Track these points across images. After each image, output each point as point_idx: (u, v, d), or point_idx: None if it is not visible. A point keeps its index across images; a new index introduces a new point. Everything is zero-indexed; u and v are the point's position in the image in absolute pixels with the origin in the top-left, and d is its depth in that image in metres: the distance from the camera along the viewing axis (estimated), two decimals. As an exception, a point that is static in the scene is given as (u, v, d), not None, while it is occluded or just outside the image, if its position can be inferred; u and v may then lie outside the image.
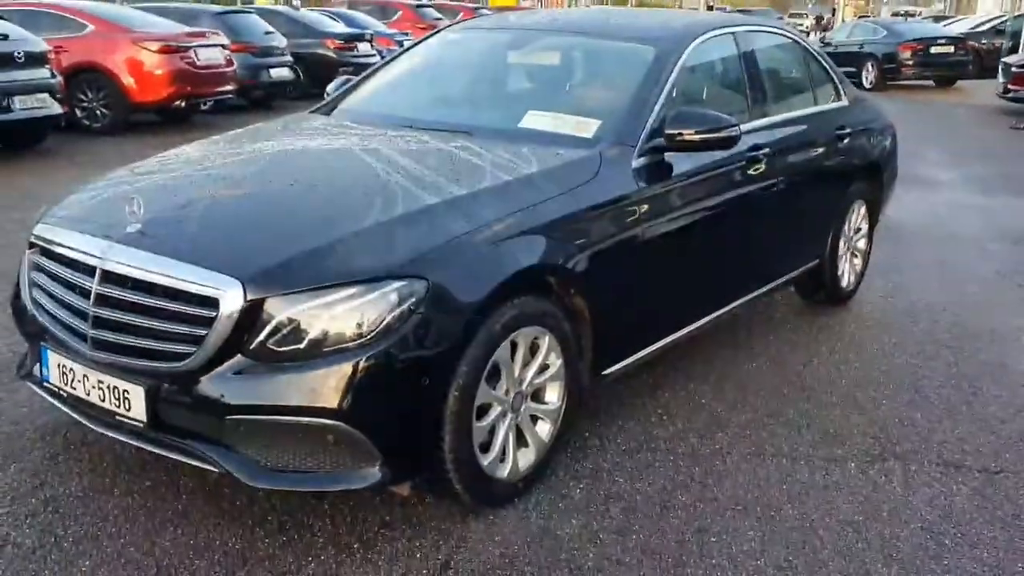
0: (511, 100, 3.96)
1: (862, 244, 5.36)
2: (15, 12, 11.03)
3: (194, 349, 2.57)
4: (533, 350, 3.02)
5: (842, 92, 5.07)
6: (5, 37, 8.90)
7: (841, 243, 5.08)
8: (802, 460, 3.43)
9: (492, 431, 2.93)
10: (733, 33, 4.24)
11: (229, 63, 11.97)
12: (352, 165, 3.32)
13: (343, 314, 2.54)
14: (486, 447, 2.91)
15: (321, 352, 2.53)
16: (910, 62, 20.19)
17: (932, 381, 4.23)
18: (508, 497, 3.01)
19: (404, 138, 3.59)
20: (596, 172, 3.27)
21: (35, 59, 9.15)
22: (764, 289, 4.38)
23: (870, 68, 20.52)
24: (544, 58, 4.22)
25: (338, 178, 3.14)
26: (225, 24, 13.35)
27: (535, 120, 3.65)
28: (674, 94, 3.70)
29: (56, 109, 9.30)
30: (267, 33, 14.11)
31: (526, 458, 3.06)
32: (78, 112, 10.91)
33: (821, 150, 4.65)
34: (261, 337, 2.54)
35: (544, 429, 3.13)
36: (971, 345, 4.69)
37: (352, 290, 2.55)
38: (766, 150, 4.07)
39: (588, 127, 3.52)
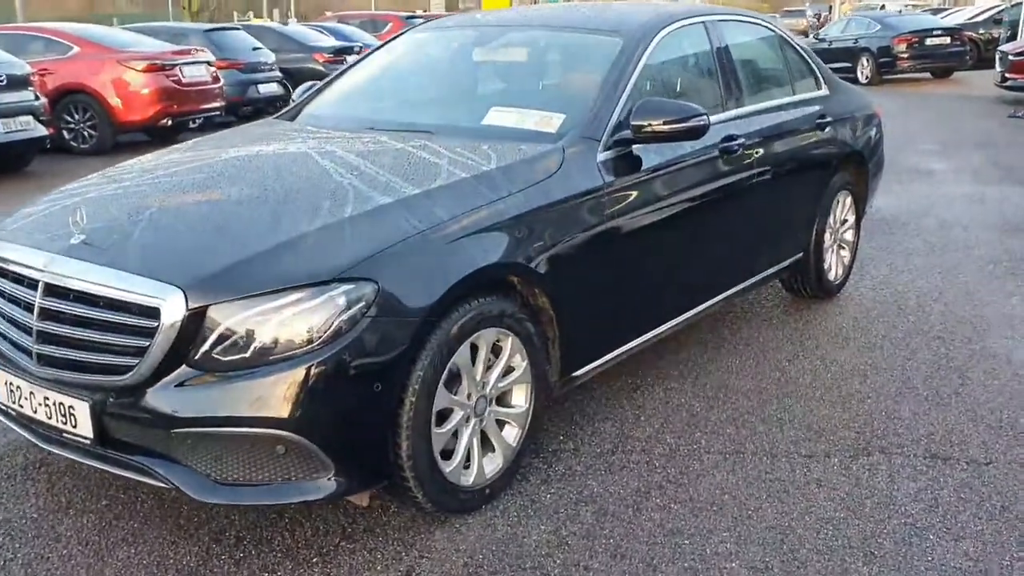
0: (475, 98, 3.87)
1: (849, 236, 5.26)
2: (1, 36, 11.04)
3: (137, 361, 2.49)
4: (497, 352, 2.93)
5: (822, 81, 4.97)
6: (-13, 61, 8.87)
7: (827, 236, 4.97)
8: (782, 457, 3.32)
9: (455, 437, 2.83)
10: (704, 23, 4.15)
11: (216, 80, 11.92)
12: (305, 169, 3.23)
13: (289, 320, 2.45)
14: (449, 454, 2.81)
15: (268, 360, 2.44)
16: (906, 55, 20.06)
17: (920, 372, 4.12)
18: (474, 504, 2.91)
19: (362, 140, 3.50)
20: (558, 167, 3.17)
21: (18, 82, 9.12)
22: (744, 285, 4.27)
23: (865, 62, 20.41)
24: (509, 54, 4.13)
25: (289, 182, 3.06)
26: (212, 41, 13.32)
27: (498, 117, 3.56)
28: (641, 86, 3.62)
29: (40, 131, 9.26)
30: (255, 49, 14.07)
31: (493, 463, 2.96)
32: (65, 134, 10.88)
33: (800, 140, 4.54)
34: (205, 347, 2.46)
35: (511, 434, 3.03)
36: (961, 335, 4.58)
37: (298, 295, 2.46)
38: (741, 141, 3.97)
39: (552, 122, 3.43)
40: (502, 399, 3.01)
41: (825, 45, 21.56)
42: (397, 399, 2.58)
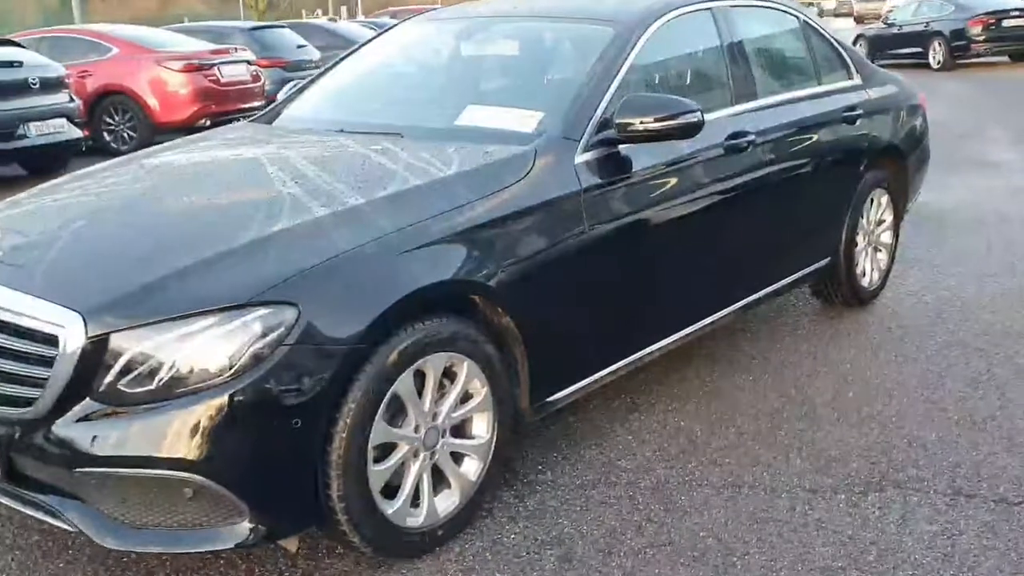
0: (454, 95, 3.58)
1: (886, 238, 4.84)
2: (45, 39, 11.13)
3: (40, 393, 2.27)
4: (454, 378, 2.65)
5: (853, 70, 4.56)
6: (20, 64, 8.88)
7: (859, 238, 4.57)
8: (783, 492, 2.98)
9: (402, 473, 2.56)
10: (711, 10, 3.80)
11: (256, 79, 11.85)
12: (249, 178, 2.99)
13: (199, 349, 2.20)
14: (395, 491, 2.54)
15: (174, 393, 2.20)
16: (981, 37, 19.07)
17: (953, 392, 3.71)
18: (424, 547, 2.63)
19: (326, 143, 3.26)
20: (527, 172, 2.88)
21: (51, 84, 9.12)
22: (759, 295, 3.91)
23: (937, 47, 19.48)
24: (496, 47, 3.85)
25: (226, 194, 2.82)
26: (256, 40, 13.29)
27: (474, 116, 3.28)
28: (633, 80, 3.29)
29: (75, 134, 9.25)
30: (299, 47, 14.00)
31: (448, 501, 2.68)
32: (106, 135, 10.91)
33: (824, 135, 4.16)
34: (110, 378, 2.23)
35: (471, 467, 2.74)
36: (1007, 348, 4.15)
37: (208, 321, 2.21)
38: (751, 137, 3.62)
39: (529, 121, 3.13)
40: (460, 429, 2.72)
41: (895, 30, 20.71)
42: (325, 435, 2.32)
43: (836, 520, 2.81)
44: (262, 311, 2.23)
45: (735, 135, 3.57)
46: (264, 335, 2.22)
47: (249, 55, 12.01)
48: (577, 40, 3.55)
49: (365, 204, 2.60)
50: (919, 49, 19.51)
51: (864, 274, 4.69)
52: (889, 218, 4.81)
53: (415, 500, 2.59)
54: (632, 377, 3.57)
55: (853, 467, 3.12)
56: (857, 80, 4.56)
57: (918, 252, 5.67)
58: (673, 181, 3.31)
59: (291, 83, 4.17)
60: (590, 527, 2.79)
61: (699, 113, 3.09)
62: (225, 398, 2.18)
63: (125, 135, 10.96)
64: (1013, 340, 4.23)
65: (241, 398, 2.18)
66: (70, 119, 9.22)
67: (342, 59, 4.11)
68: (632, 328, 3.27)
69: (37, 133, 8.78)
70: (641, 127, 3.03)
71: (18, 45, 9.51)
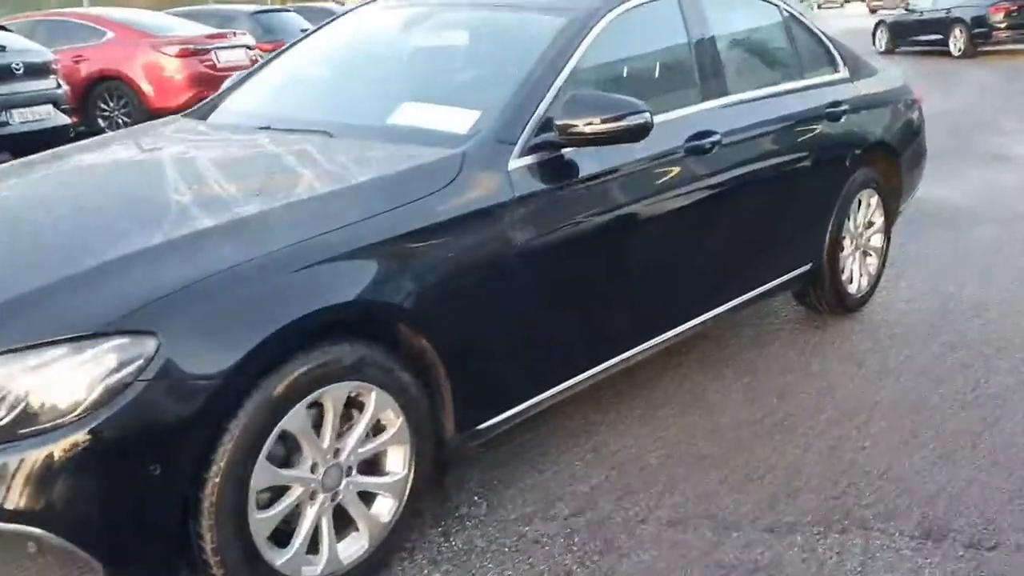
0: (393, 90, 3.30)
1: (876, 241, 4.53)
2: (41, 23, 10.95)
3: None
4: (362, 407, 2.40)
5: (840, 64, 4.25)
6: (2, 49, 8.65)
7: (846, 242, 4.28)
8: (735, 531, 2.71)
9: (296, 517, 2.32)
10: (677, -1, 3.50)
11: (254, 63, 11.57)
12: (144, 183, 2.74)
13: (45, 383, 1.95)
14: (288, 538, 2.30)
15: (17, 434, 1.96)
16: (1003, 24, 18.49)
17: (941, 410, 3.43)
18: (321, 598, 2.38)
19: (243, 143, 3.02)
20: (452, 178, 2.61)
21: (36, 70, 8.88)
22: (728, 306, 3.62)
23: (958, 34, 18.92)
24: (444, 38, 3.57)
25: (110, 203, 2.58)
26: (260, 24, 13.06)
27: (408, 114, 3.01)
28: (583, 76, 3.01)
29: (61, 120, 9.02)
30: (303, 31, 13.73)
31: (355, 545, 2.43)
32: (100, 121, 10.71)
33: (804, 132, 3.86)
34: (-56, 416, 1.99)
35: (384, 506, 2.49)
36: (1006, 360, 3.85)
37: (55, 352, 1.97)
38: (716, 137, 3.34)
39: (464, 120, 2.85)
40: (372, 464, 2.48)
41: (916, 16, 20.14)
42: (194, 480, 2.07)
43: (787, 567, 2.54)
44: (117, 341, 1.98)
45: (699, 135, 3.28)
46: (119, 368, 1.97)
47: (249, 39, 11.77)
48: (526, 32, 3.26)
49: (259, 215, 2.34)
50: (940, 36, 18.97)
51: (851, 280, 4.39)
52: (879, 220, 4.51)
53: (314, 547, 2.35)
54: (595, 392, 3.31)
55: (816, 502, 2.85)
56: (844, 73, 4.25)
57: (918, 252, 5.35)
58: (625, 187, 3.04)
59: (237, 73, 3.91)
60: (515, 572, 2.54)
61: (647, 114, 2.81)
62: (73, 439, 1.93)
63: (120, 121, 10.76)
64: (1012, 352, 3.93)
65: (91, 440, 1.94)
66: (56, 105, 8.99)
67: (288, 48, 3.85)
68: (576, 348, 3.00)
69: (20, 120, 8.56)
70: (583, 129, 2.76)
71: (4, 29, 9.30)
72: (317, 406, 2.29)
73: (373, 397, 2.38)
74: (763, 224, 3.70)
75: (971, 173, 7.53)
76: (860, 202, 4.32)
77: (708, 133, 3.33)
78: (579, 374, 2.99)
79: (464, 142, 2.75)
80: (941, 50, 18.93)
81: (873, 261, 4.54)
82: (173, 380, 2.01)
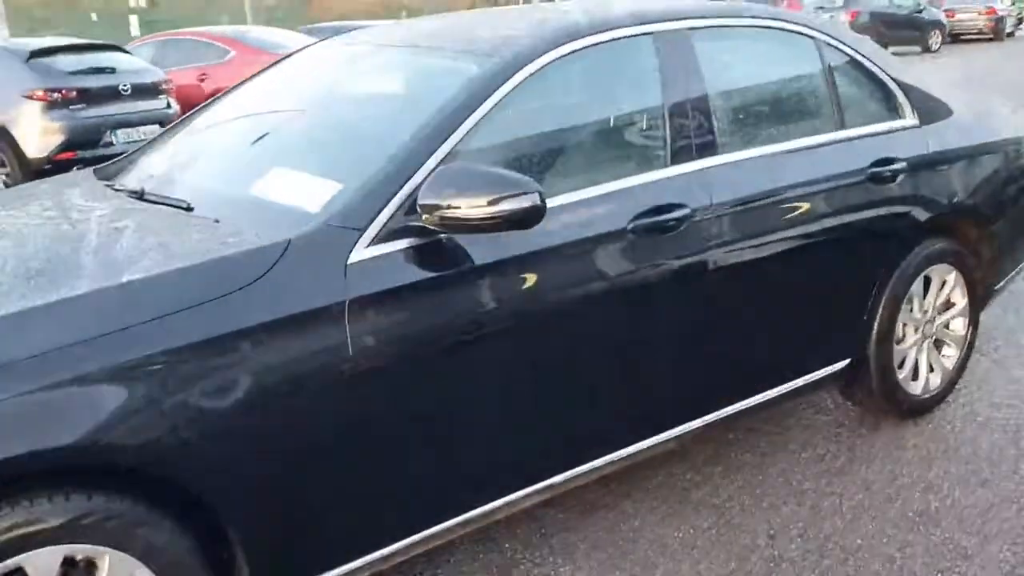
0: (272, 152, 2.77)
1: (957, 327, 3.62)
2: (169, 42, 11.22)
3: None
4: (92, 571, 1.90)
5: (905, 106, 3.39)
6: (112, 70, 8.82)
7: (907, 330, 3.42)
8: None
9: None
10: (651, 34, 2.80)
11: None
12: None
13: None
14: None
15: None
16: None
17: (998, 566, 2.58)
18: None
19: (90, 211, 2.62)
20: (258, 276, 2.06)
21: (145, 90, 9.02)
22: (696, 425, 2.88)
23: None
24: (357, 85, 3.02)
25: None
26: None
27: (272, 183, 2.49)
28: (487, 141, 2.41)
29: (167, 139, 9.10)
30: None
31: None
32: (221, 139, 10.82)
33: (832, 198, 3.05)
34: None
35: None
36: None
37: None
38: (683, 212, 2.64)
39: (322, 194, 2.30)
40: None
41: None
42: None
43: None
44: None
45: (655, 210, 2.59)
46: None
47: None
48: (434, 81, 2.67)
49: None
50: None
51: (918, 377, 3.51)
52: (961, 302, 3.59)
53: None
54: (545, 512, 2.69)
55: None
56: (910, 120, 3.37)
57: (1020, 328, 4.34)
58: (525, 280, 2.39)
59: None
60: None
61: (536, 195, 2.17)
62: None
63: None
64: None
65: None
66: (163, 125, 9.08)
67: (223, 94, 3.39)
68: (432, 494, 2.37)
69: (125, 140, 8.67)
70: (448, 213, 2.15)
71: (122, 50, 9.50)
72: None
73: (106, 561, 1.87)
74: (756, 317, 2.93)
75: None
76: (929, 281, 3.44)
77: (672, 207, 2.63)
78: (432, 526, 2.36)
79: (306, 223, 2.20)
80: None
81: (952, 352, 3.63)
82: None
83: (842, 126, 3.21)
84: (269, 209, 2.36)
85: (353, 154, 2.52)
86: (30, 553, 1.79)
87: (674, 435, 2.83)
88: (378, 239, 2.19)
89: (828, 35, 3.30)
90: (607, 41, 2.71)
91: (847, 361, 3.28)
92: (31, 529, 1.78)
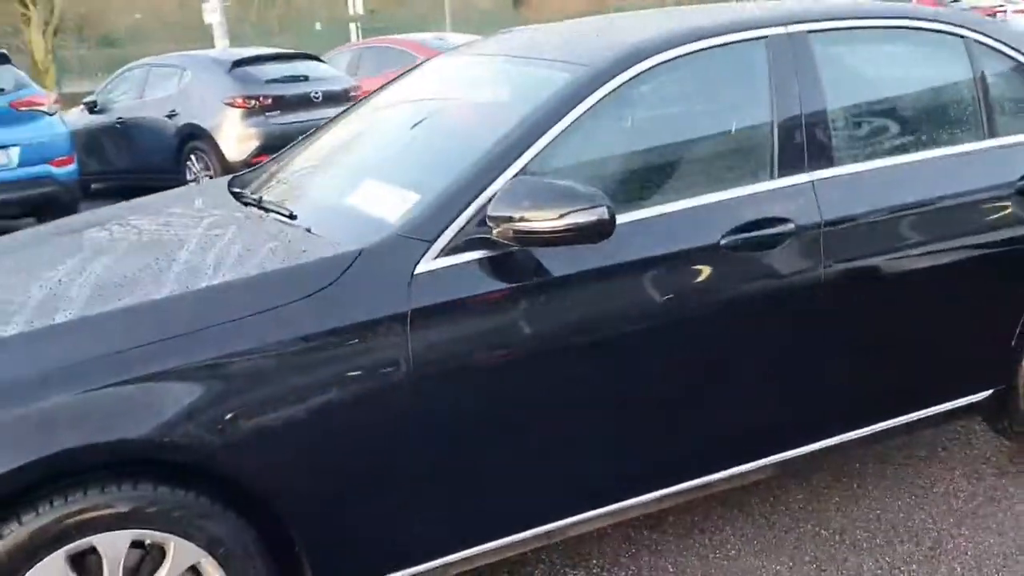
0: (371, 162, 2.84)
1: None
2: (365, 51, 11.75)
3: None
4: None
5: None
6: (305, 79, 9.34)
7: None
8: None
9: None
10: (766, 38, 2.66)
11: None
12: (46, 267, 2.50)
13: None
14: None
15: None
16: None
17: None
18: None
19: (199, 220, 2.80)
20: (326, 284, 2.13)
21: (335, 97, 9.45)
22: (782, 457, 2.71)
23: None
24: (458, 95, 3.04)
25: None
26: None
27: (363, 194, 2.57)
28: (566, 151, 2.38)
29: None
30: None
31: None
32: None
33: (975, 214, 2.81)
34: None
35: None
36: None
37: None
38: (786, 227, 2.50)
39: (402, 205, 2.35)
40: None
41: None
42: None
43: None
44: None
45: (751, 225, 2.47)
46: None
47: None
48: (527, 91, 2.64)
49: (77, 322, 2.04)
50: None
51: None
52: None
53: None
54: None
55: None
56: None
57: None
58: (607, 295, 2.34)
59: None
60: None
61: (604, 209, 2.13)
62: None
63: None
64: None
65: None
66: (350, 130, 9.54)
67: (351, 106, 3.50)
68: (497, 507, 2.36)
69: (312, 147, 9.16)
70: (521, 225, 2.14)
71: (318, 59, 10.03)
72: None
73: (172, 547, 1.99)
74: (874, 343, 2.73)
75: None
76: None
77: (773, 221, 2.50)
78: (503, 536, 2.35)
79: (383, 233, 2.25)
80: None
81: None
82: None
83: (991, 135, 2.93)
84: (358, 219, 2.44)
85: (436, 165, 2.55)
86: (101, 535, 1.93)
87: (776, 460, 2.69)
88: (447, 251, 2.21)
89: (982, 33, 3.02)
90: (708, 48, 2.60)
91: (989, 392, 3.00)
92: (101, 513, 1.91)
